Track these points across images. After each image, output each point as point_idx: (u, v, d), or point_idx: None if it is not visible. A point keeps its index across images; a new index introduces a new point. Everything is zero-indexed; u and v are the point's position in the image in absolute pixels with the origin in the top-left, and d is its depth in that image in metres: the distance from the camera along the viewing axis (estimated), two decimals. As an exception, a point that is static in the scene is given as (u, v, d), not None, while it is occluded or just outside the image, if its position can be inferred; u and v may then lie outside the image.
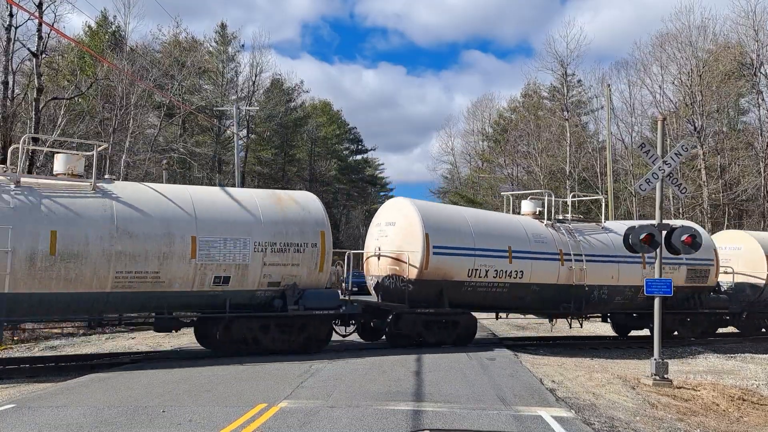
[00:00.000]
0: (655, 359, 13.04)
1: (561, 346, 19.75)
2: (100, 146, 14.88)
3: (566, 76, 53.75)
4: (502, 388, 10.94)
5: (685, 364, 16.52)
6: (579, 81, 56.38)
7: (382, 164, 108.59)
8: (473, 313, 17.89)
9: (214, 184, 40.43)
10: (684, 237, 13.43)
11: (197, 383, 11.06)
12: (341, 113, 78.81)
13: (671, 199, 39.65)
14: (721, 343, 21.41)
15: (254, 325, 14.69)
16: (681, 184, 14.97)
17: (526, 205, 20.56)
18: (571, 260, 18.67)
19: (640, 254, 17.53)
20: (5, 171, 13.31)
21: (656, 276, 13.42)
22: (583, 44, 76.79)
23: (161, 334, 21.03)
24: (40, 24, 25.99)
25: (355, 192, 77.44)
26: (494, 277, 17.52)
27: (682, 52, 43.54)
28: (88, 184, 13.71)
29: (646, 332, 21.44)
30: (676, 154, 13.69)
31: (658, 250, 13.44)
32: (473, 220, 18.13)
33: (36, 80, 26.80)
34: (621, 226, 19.43)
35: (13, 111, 27.33)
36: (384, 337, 17.46)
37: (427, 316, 16.81)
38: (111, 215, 13.34)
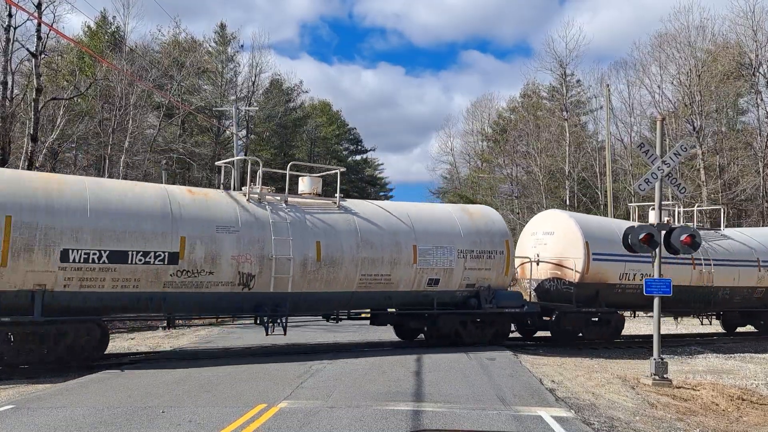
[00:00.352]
0: (654, 359, 13.04)
1: (561, 346, 19.77)
2: (341, 170, 17.66)
3: (565, 76, 53.84)
4: (501, 388, 10.94)
5: (684, 363, 16.53)
6: (578, 81, 56.51)
7: (382, 164, 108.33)
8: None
9: (214, 185, 40.46)
10: (683, 237, 13.44)
11: (197, 384, 11.05)
12: (340, 113, 78.82)
13: (670, 198, 39.65)
14: (720, 342, 21.45)
15: (456, 320, 17.29)
16: (680, 183, 14.97)
17: (653, 215, 22.28)
18: (701, 264, 21.34)
19: (756, 258, 21.74)
20: (271, 191, 15.86)
21: (655, 276, 13.43)
22: (582, 44, 77.46)
23: (160, 334, 21.13)
24: (39, 24, 26.00)
25: (354, 192, 77.24)
26: (641, 279, 19.73)
27: (681, 52, 43.61)
28: (332, 201, 16.46)
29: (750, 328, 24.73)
30: (675, 154, 13.69)
31: (657, 250, 13.44)
32: (621, 230, 19.86)
33: (35, 80, 26.79)
34: (737, 233, 23.43)
35: (12, 111, 27.32)
36: (545, 333, 19.96)
37: (587, 315, 19.37)
38: (355, 228, 16.06)
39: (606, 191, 36.72)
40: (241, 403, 9.33)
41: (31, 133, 26.51)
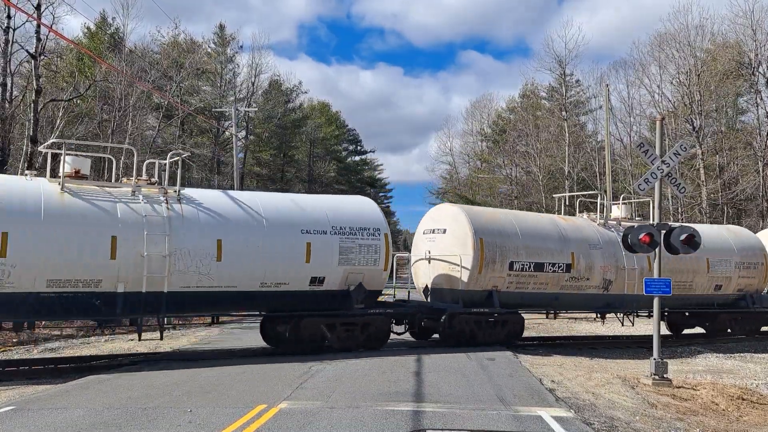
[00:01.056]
0: (654, 359, 13.03)
1: (560, 346, 19.79)
2: (603, 196, 22.11)
3: (564, 76, 53.77)
4: (501, 388, 10.94)
5: (684, 363, 16.53)
6: (577, 81, 56.48)
7: (381, 165, 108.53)
8: None
9: (213, 186, 40.45)
10: (682, 237, 13.44)
11: (196, 384, 11.05)
12: (340, 114, 78.87)
13: (670, 198, 39.67)
14: (720, 342, 21.44)
15: (730, 317, 22.05)
16: (680, 183, 14.97)
17: None
18: None
19: None
20: (559, 214, 20.22)
21: (655, 276, 13.42)
22: (582, 44, 76.91)
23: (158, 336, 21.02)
24: (38, 25, 26.01)
25: (354, 193, 77.39)
26: None
27: (680, 52, 43.59)
28: (596, 222, 20.54)
29: None
30: (674, 153, 13.69)
31: (657, 250, 13.44)
32: None
33: (34, 82, 26.79)
34: None
35: (11, 113, 27.32)
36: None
37: None
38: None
39: (606, 191, 36.67)
40: (241, 404, 9.33)
41: (31, 134, 26.50)
